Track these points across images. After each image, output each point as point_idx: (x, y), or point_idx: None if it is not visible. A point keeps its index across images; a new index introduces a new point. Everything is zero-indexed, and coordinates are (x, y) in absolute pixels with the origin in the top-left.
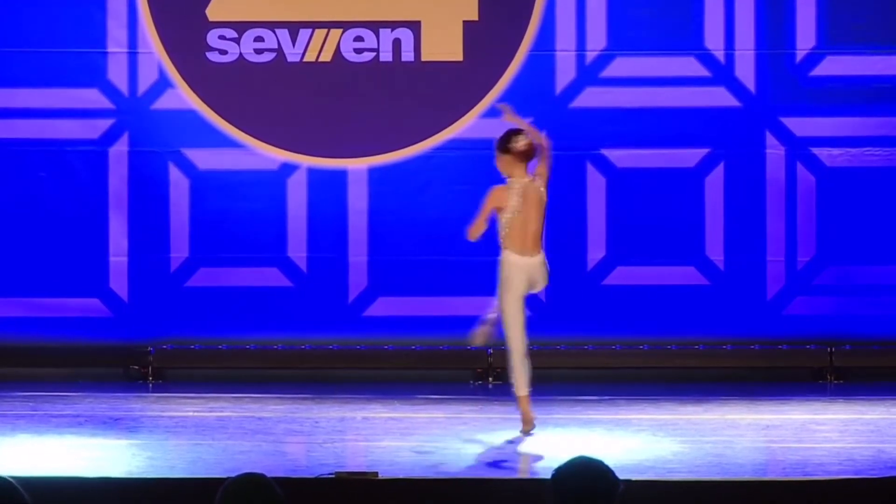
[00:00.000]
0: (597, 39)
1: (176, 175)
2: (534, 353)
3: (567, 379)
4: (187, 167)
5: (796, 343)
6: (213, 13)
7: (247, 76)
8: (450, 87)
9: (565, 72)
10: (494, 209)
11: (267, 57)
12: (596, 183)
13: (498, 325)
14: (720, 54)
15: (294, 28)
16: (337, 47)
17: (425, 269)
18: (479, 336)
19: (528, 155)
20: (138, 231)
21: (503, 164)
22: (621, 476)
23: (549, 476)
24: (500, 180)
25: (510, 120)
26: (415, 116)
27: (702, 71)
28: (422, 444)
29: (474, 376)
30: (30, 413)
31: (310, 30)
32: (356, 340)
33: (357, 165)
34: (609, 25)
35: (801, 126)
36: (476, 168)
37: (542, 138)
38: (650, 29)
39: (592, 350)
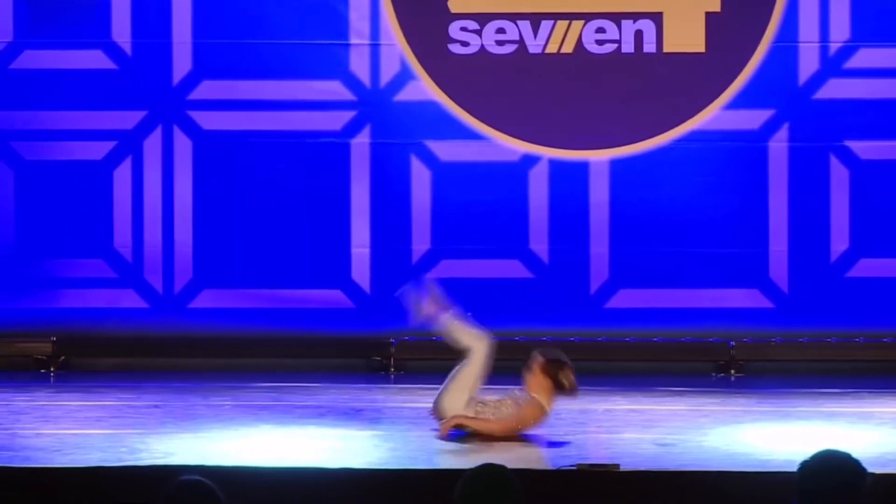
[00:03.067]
0: (840, 30)
1: (418, 166)
2: (777, 346)
3: (810, 371)
4: (429, 159)
5: None
6: (455, 5)
7: (488, 68)
8: (692, 79)
9: (808, 63)
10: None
11: (508, 48)
12: (839, 175)
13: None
14: None
15: (536, 20)
16: (578, 39)
17: (666, 261)
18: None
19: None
20: (380, 223)
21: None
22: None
23: (792, 469)
24: (742, 173)
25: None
26: (656, 108)
27: None
28: (663, 437)
29: (716, 368)
30: (273, 404)
31: (551, 21)
32: (597, 332)
33: (598, 157)
34: (853, 16)
35: None
36: (718, 160)
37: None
38: (894, 20)
39: (836, 343)
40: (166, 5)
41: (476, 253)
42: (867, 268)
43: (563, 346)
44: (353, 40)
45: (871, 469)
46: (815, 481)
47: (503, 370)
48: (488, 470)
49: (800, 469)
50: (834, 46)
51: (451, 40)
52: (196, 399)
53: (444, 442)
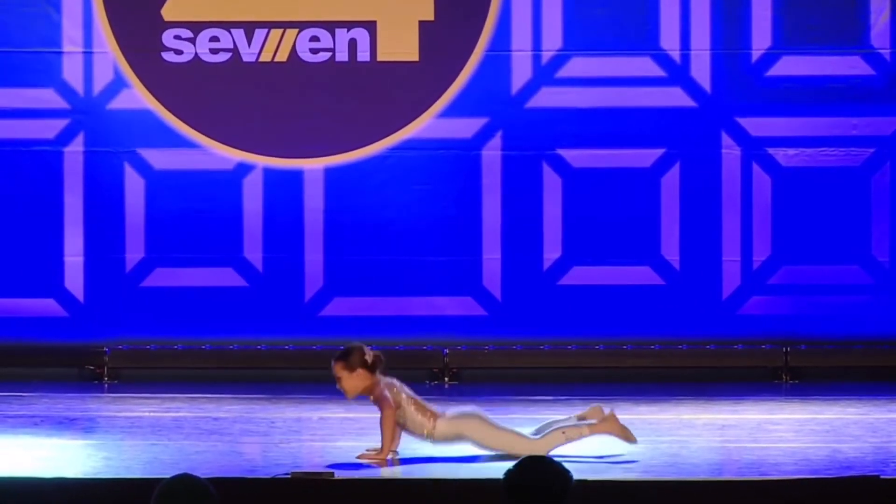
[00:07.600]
0: (553, 39)
1: (131, 175)
2: (490, 353)
3: (523, 379)
4: (143, 167)
5: (752, 343)
6: (168, 13)
7: (202, 76)
8: (406, 88)
9: (521, 72)
10: None
11: (222, 57)
12: (552, 183)
13: None
14: (676, 54)
15: (250, 28)
16: (293, 47)
17: (381, 269)
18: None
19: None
20: (94, 231)
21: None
22: (577, 476)
23: (501, 476)
24: (455, 181)
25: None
26: (371, 116)
27: (657, 71)
28: (378, 445)
29: (430, 376)
30: None
31: (265, 30)
32: (312, 341)
33: (313, 165)
34: (565, 25)
35: (756, 126)
36: (432, 168)
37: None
38: (606, 29)
39: (548, 350)
40: None
41: (190, 261)
42: (579, 275)
43: (277, 354)
44: (66, 48)
45: (583, 476)
46: (520, 487)
47: (219, 378)
48: (182, 480)
49: (506, 476)
50: (546, 55)
51: (164, 48)
52: None
53: (158, 451)
